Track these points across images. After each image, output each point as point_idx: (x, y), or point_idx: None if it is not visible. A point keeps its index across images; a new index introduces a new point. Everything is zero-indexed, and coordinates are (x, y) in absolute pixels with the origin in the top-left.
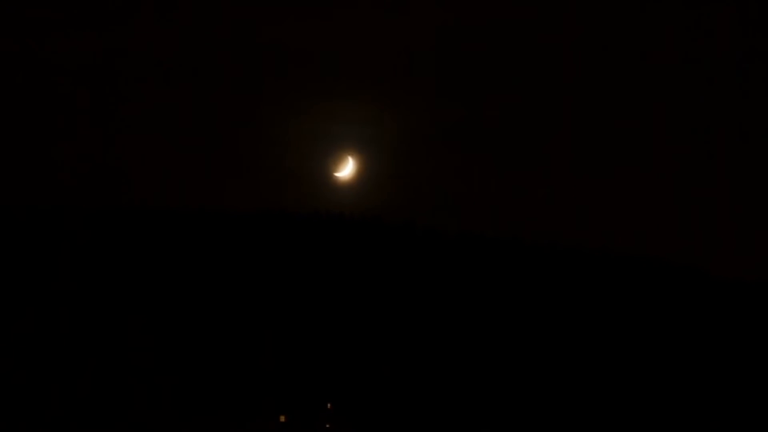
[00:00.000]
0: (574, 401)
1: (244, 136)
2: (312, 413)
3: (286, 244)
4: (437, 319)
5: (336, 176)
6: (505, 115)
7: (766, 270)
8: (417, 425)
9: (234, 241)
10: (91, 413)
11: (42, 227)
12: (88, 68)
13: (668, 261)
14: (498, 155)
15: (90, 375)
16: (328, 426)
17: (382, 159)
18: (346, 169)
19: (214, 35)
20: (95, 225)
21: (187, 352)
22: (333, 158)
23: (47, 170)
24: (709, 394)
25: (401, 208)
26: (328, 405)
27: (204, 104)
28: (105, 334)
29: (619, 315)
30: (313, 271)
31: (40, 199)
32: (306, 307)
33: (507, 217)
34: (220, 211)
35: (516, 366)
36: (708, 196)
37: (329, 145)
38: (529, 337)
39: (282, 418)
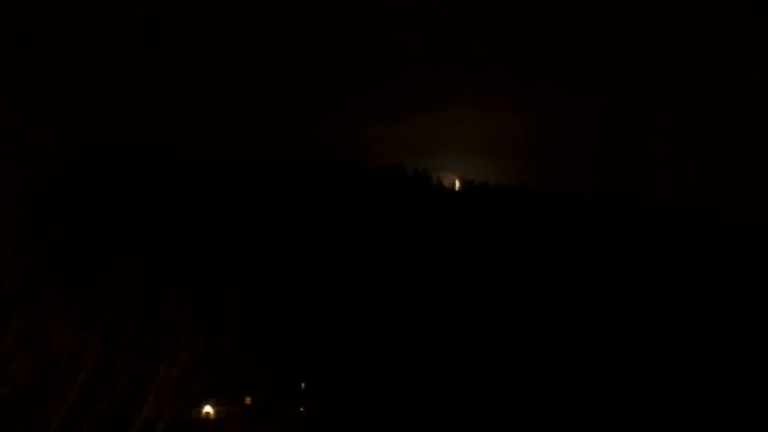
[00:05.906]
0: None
1: None
2: (285, 394)
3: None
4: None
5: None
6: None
7: None
8: (404, 405)
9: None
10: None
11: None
12: None
13: (713, 215)
14: None
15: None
16: (302, 409)
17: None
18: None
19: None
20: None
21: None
22: (439, 174)
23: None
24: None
25: None
26: (302, 385)
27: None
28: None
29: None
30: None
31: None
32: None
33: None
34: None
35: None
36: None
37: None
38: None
39: (247, 400)
